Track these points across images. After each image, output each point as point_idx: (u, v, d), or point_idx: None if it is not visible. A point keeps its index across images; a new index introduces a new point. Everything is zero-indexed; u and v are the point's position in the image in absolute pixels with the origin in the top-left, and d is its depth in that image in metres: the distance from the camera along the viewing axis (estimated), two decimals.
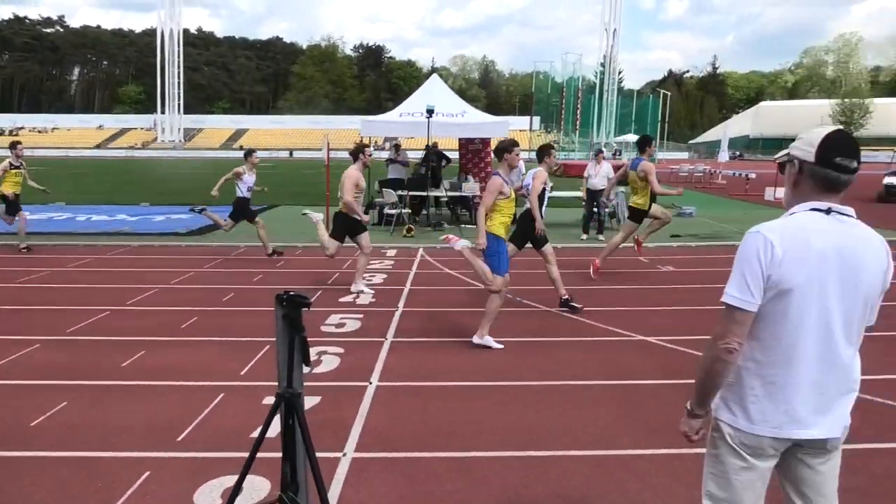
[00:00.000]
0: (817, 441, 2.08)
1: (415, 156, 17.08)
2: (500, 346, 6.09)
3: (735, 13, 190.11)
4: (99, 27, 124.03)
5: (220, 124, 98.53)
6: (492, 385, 5.17)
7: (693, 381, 2.17)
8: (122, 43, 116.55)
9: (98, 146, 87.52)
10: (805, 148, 2.05)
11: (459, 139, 16.75)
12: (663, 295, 8.31)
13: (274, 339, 2.73)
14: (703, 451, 2.27)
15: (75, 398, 4.81)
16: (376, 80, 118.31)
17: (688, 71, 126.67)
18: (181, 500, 3.46)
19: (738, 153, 75.60)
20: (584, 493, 3.56)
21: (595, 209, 13.42)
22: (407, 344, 6.23)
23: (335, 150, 18.36)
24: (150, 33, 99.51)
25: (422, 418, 4.53)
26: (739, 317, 2.02)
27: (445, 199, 15.65)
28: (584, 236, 13.31)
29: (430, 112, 13.37)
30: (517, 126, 63.67)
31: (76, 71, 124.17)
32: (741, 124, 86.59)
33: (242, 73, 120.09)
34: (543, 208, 7.48)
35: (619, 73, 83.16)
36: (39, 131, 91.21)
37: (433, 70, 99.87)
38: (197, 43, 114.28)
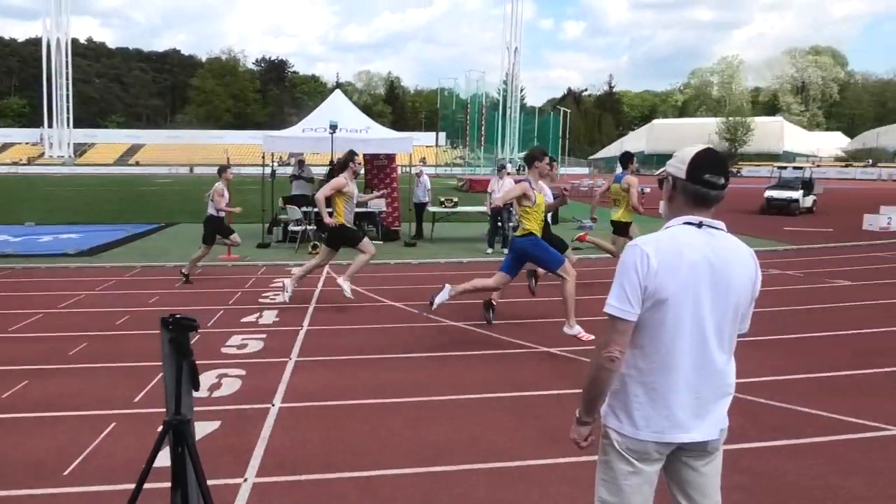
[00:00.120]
0: (698, 444, 2.18)
1: (319, 172, 16.89)
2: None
3: (628, 35, 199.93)
4: None
5: (113, 139, 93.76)
6: (398, 402, 5.15)
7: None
8: (4, 52, 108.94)
9: None
10: (678, 165, 2.18)
11: (364, 155, 16.69)
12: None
13: None
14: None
15: None
16: (280, 94, 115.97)
17: (586, 89, 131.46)
18: None
19: (635, 168, 78.99)
20: None
21: (499, 223, 13.70)
22: (312, 363, 6.12)
23: (238, 165, 17.87)
24: (34, 42, 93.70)
25: (327, 438, 4.45)
26: (620, 326, 2.11)
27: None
28: (490, 250, 13.56)
29: (333, 128, 13.28)
30: (423, 142, 64.29)
31: None
32: (637, 141, 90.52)
33: (137, 86, 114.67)
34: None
35: (522, 90, 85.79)
36: None
37: (338, 85, 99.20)
38: (87, 54, 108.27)
